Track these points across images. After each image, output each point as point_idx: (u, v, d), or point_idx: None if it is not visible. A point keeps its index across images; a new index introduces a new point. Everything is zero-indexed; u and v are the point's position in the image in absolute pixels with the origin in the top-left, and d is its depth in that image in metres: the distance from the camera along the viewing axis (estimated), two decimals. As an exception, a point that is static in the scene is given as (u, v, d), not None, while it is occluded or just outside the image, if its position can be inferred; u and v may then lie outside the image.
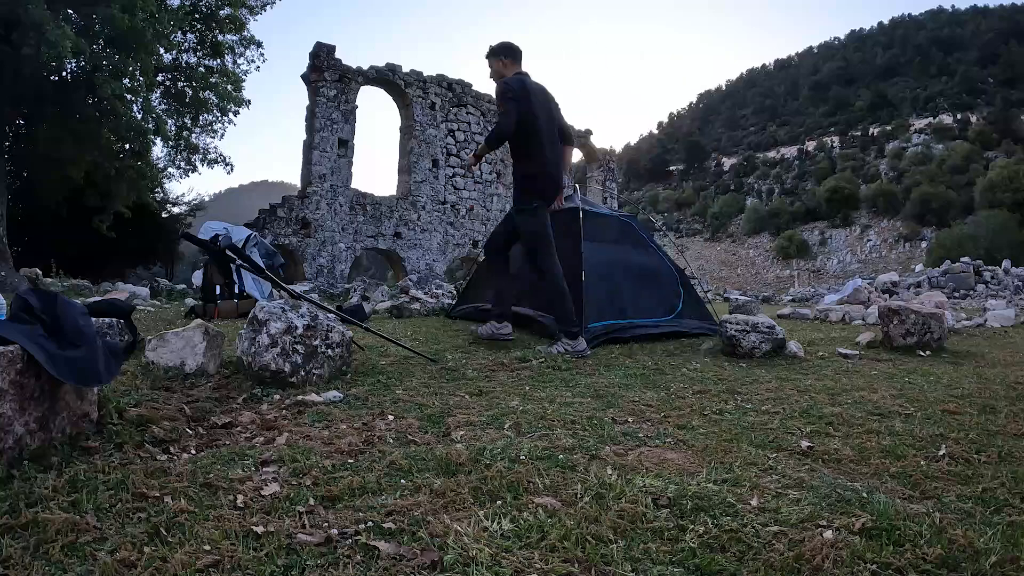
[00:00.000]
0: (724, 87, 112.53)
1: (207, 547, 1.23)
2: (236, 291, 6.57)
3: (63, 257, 15.30)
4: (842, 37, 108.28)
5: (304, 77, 15.83)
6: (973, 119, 61.04)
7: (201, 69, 15.12)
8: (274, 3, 15.82)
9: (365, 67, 16.62)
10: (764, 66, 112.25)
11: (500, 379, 3.16)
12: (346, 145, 16.04)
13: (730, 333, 4.00)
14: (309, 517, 1.39)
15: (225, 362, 3.01)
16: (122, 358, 2.20)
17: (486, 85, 18.56)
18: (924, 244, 40.00)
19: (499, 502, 1.50)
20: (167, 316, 6.29)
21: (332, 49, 15.93)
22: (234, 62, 15.66)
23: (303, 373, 2.80)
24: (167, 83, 14.91)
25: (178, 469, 1.65)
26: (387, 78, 16.99)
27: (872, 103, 72.29)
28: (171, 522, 1.34)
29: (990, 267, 16.25)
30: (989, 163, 46.10)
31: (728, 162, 75.58)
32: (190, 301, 7.62)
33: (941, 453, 1.99)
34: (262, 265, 5.44)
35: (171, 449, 1.88)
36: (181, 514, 1.37)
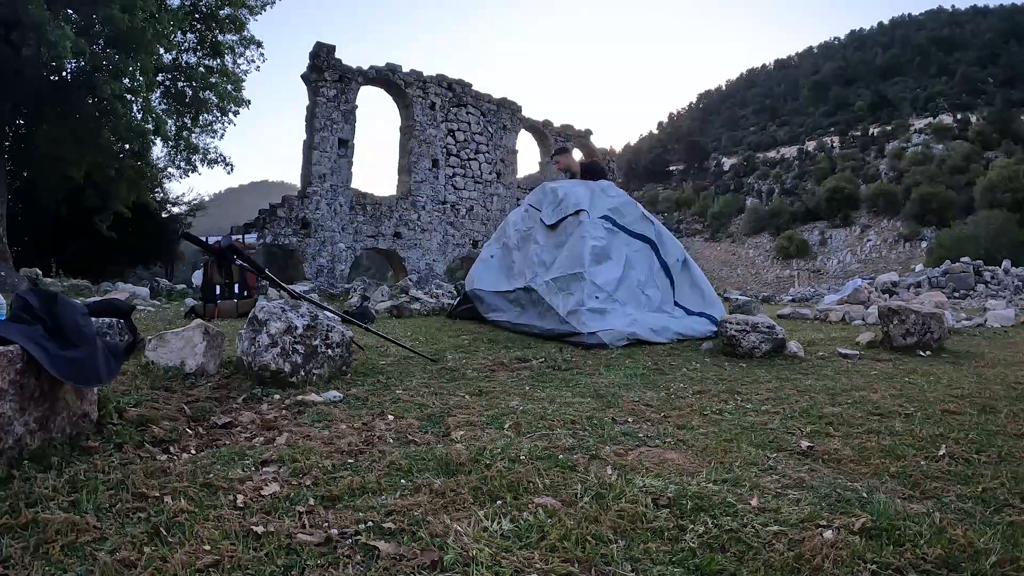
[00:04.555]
0: (724, 87, 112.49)
1: (207, 547, 1.23)
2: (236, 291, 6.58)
3: (63, 257, 15.31)
4: (842, 37, 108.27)
5: (304, 77, 15.83)
6: (973, 119, 60.96)
7: (201, 69, 15.12)
8: (274, 3, 15.82)
9: (365, 67, 16.62)
10: (764, 66, 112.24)
11: (500, 379, 3.16)
12: (346, 145, 16.04)
13: (730, 333, 4.00)
14: (309, 517, 1.39)
15: (225, 362, 3.01)
16: (122, 358, 2.20)
17: (486, 85, 18.52)
18: (924, 244, 39.95)
19: (499, 502, 1.50)
20: (167, 316, 6.29)
21: (332, 49, 15.93)
22: (234, 62, 15.67)
23: (303, 373, 2.80)
24: (167, 83, 14.91)
25: (178, 469, 1.65)
26: (387, 78, 16.99)
27: (872, 103, 72.21)
28: (171, 522, 1.34)
29: (990, 267, 16.23)
30: (989, 163, 46.00)
31: (728, 162, 75.52)
32: (190, 301, 7.62)
33: (941, 453, 1.99)
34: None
35: (171, 449, 1.88)
36: (181, 514, 1.37)
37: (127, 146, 14.58)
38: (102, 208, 16.06)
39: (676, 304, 5.12)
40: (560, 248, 5.20)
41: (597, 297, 4.68)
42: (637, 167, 78.34)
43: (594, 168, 6.23)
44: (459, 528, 1.34)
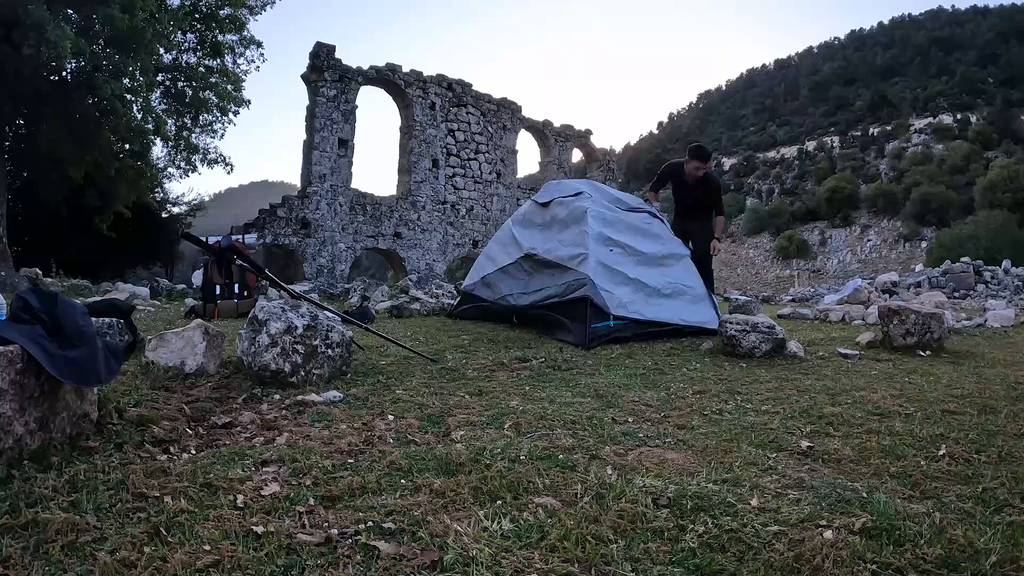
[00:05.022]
0: (724, 87, 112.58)
1: (207, 547, 1.23)
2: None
3: (63, 257, 15.31)
4: (842, 37, 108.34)
5: (304, 77, 15.84)
6: (973, 119, 60.99)
7: (201, 69, 15.10)
8: (274, 3, 15.81)
9: (365, 67, 16.63)
10: (764, 66, 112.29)
11: (500, 379, 3.16)
12: (346, 145, 16.05)
13: (730, 333, 4.00)
14: (309, 517, 1.39)
15: (225, 362, 3.01)
16: (122, 358, 2.20)
17: (486, 85, 18.51)
18: (924, 244, 39.95)
19: (499, 502, 1.50)
20: (167, 316, 6.29)
21: (332, 49, 15.94)
22: (234, 62, 15.65)
23: (303, 373, 2.80)
24: (167, 83, 14.89)
25: (178, 469, 1.65)
26: (387, 78, 16.99)
27: (872, 103, 72.20)
28: (171, 522, 1.34)
29: (990, 267, 16.22)
30: (989, 163, 46.01)
31: (728, 162, 75.56)
32: (190, 301, 7.62)
33: (941, 453, 1.99)
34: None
35: (171, 449, 1.88)
36: (181, 514, 1.37)
37: (127, 146, 14.59)
38: (102, 208, 16.04)
39: (688, 278, 5.09)
40: (560, 221, 5.25)
41: (611, 250, 4.68)
42: (637, 167, 78.24)
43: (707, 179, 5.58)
44: (459, 528, 1.34)
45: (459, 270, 19.57)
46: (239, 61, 15.74)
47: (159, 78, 14.16)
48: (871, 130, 66.99)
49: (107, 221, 16.26)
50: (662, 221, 5.38)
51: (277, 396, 2.57)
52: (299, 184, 16.04)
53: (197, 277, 8.96)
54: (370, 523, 1.36)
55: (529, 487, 1.59)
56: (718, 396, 2.82)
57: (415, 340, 4.47)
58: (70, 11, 11.87)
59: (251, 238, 14.53)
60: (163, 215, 22.62)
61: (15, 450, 1.60)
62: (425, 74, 17.72)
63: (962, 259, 16.52)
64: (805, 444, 2.06)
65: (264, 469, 1.70)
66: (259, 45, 15.95)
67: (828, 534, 1.34)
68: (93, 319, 2.67)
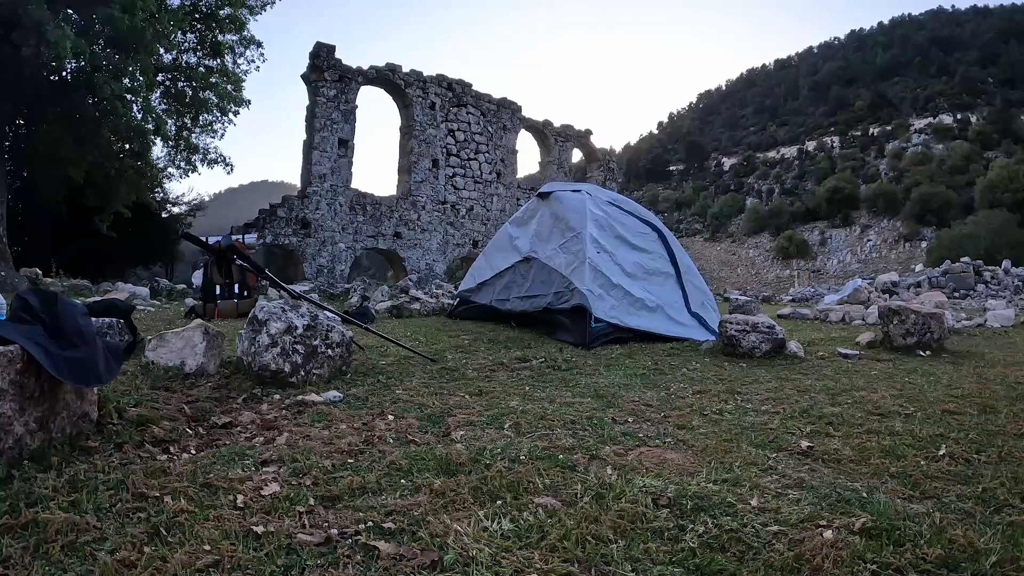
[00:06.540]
0: (724, 87, 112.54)
1: (207, 547, 1.23)
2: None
3: (63, 257, 15.31)
4: (842, 37, 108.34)
5: (304, 77, 15.83)
6: (973, 119, 61.04)
7: (201, 69, 15.09)
8: (274, 3, 15.79)
9: (365, 67, 16.62)
10: (764, 66, 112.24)
11: (500, 379, 3.16)
12: (346, 145, 16.04)
13: (730, 333, 4.00)
14: (309, 517, 1.39)
15: (225, 362, 3.01)
16: (122, 358, 2.20)
17: (485, 85, 18.48)
18: (924, 244, 39.94)
19: (499, 502, 1.50)
20: (167, 316, 6.29)
21: (332, 49, 15.93)
22: (234, 62, 15.63)
23: (303, 373, 2.80)
24: (167, 83, 14.88)
25: (178, 469, 1.65)
26: (387, 78, 16.99)
27: (872, 103, 72.22)
28: (171, 522, 1.34)
29: (990, 267, 16.22)
30: (989, 163, 46.03)
31: (728, 162, 75.54)
32: (190, 301, 7.63)
33: (941, 453, 1.99)
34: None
35: (171, 449, 1.88)
36: (181, 514, 1.37)
37: (127, 146, 14.58)
38: (102, 208, 16.02)
39: (681, 289, 5.10)
40: (559, 220, 5.27)
41: (599, 252, 4.72)
42: (637, 167, 78.24)
43: None
44: (459, 528, 1.34)
45: (459, 270, 19.54)
46: (239, 61, 15.73)
47: (159, 78, 14.15)
48: (871, 130, 67.01)
49: (107, 221, 16.24)
50: (660, 234, 5.37)
51: (277, 396, 2.57)
52: (299, 184, 16.04)
53: (197, 277, 8.97)
54: (370, 523, 1.36)
55: (529, 487, 1.59)
56: (718, 396, 2.82)
57: (415, 340, 4.47)
58: (70, 11, 11.86)
59: (251, 238, 14.52)
60: (163, 215, 22.60)
61: (15, 450, 1.60)
62: (425, 74, 17.71)
63: (962, 259, 16.52)
64: (805, 444, 2.06)
65: (264, 469, 1.70)
66: (259, 45, 15.94)
67: (828, 534, 1.34)
68: (93, 319, 2.68)
